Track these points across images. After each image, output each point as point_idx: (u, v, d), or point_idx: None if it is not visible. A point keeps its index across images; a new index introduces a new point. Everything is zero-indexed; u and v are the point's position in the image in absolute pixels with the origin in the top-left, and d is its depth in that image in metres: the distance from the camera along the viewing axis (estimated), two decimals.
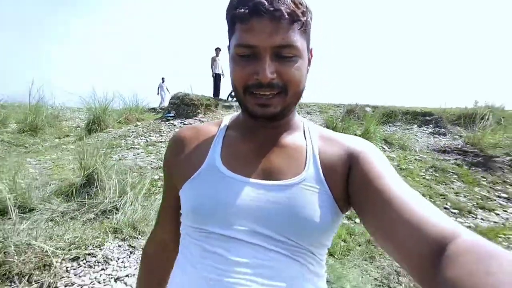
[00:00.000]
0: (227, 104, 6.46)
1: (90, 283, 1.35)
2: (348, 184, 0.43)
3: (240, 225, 0.41)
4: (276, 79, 0.40)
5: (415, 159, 4.23)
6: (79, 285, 1.33)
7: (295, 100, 0.44)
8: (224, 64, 7.43)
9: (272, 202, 0.41)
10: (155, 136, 4.68)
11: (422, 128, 6.00)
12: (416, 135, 5.55)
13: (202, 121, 5.53)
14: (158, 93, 9.66)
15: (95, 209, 2.08)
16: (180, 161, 0.49)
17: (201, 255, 0.42)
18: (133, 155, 3.75)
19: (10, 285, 1.25)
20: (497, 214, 2.87)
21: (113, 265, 1.47)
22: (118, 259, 1.50)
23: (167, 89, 9.52)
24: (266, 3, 0.37)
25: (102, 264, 1.46)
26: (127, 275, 1.42)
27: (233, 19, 0.41)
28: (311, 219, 0.40)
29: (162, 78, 9.84)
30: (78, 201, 2.16)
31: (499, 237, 2.38)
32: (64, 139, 5.22)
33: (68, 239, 1.54)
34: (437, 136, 5.57)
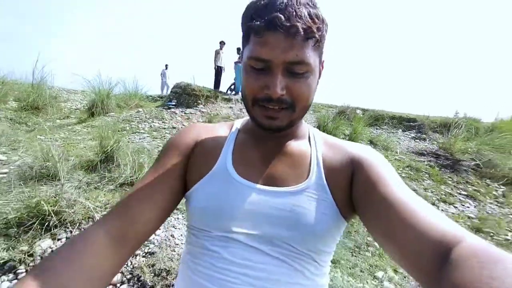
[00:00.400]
0: (226, 97, 6.75)
1: None
2: (352, 190, 0.43)
3: (240, 228, 0.42)
4: (285, 95, 0.41)
5: (395, 159, 4.70)
6: None
7: (302, 114, 0.45)
8: (227, 58, 7.69)
9: (274, 208, 0.42)
10: (158, 123, 4.96)
11: (406, 132, 6.50)
12: (399, 139, 6.04)
13: (203, 111, 5.83)
14: (162, 80, 9.75)
15: (114, 182, 2.40)
16: (197, 156, 0.49)
17: (201, 252, 0.44)
18: (139, 138, 4.04)
19: (65, 230, 1.59)
20: (455, 207, 3.37)
21: None
22: None
23: (168, 77, 9.62)
24: (282, 18, 0.37)
25: None
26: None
27: (248, 29, 0.41)
28: (312, 226, 0.41)
29: (166, 65, 9.87)
30: (99, 173, 2.47)
31: None
32: (65, 120, 5.40)
33: (102, 200, 1.87)
34: (418, 140, 6.08)
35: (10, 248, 1.43)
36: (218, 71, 7.53)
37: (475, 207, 3.50)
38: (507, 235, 2.85)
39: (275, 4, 0.38)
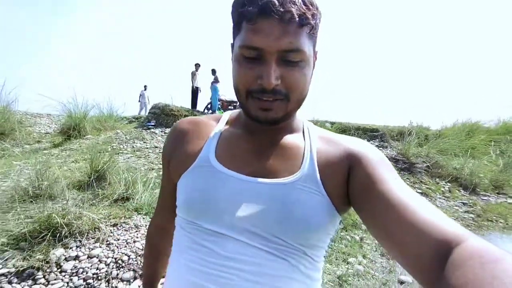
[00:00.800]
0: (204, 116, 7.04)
1: (130, 239, 1.89)
2: (348, 185, 0.42)
3: (229, 222, 0.41)
4: (280, 85, 0.39)
5: None
6: (123, 239, 1.86)
7: (298, 105, 0.44)
8: (203, 79, 8.08)
9: (263, 200, 0.41)
10: (140, 143, 5.08)
11: (370, 142, 7.25)
12: None
13: None
14: (139, 101, 9.65)
15: (109, 199, 2.55)
16: (177, 154, 0.50)
17: (190, 247, 0.43)
18: (124, 159, 4.15)
19: (74, 240, 1.75)
20: None
21: (144, 229, 2.01)
22: (146, 225, 2.05)
23: (148, 98, 9.57)
24: (276, 3, 0.35)
25: (135, 229, 2.00)
26: None
27: (240, 17, 0.39)
28: (302, 219, 0.40)
29: (145, 86, 9.85)
30: (93, 191, 2.61)
31: None
32: (36, 145, 5.30)
33: (104, 213, 2.05)
34: (381, 148, 6.80)
35: (27, 257, 1.57)
36: (195, 91, 7.87)
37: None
38: None
39: None
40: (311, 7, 0.38)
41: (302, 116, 0.52)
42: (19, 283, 1.50)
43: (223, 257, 0.40)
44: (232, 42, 0.45)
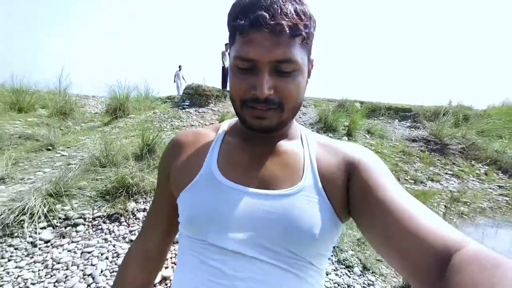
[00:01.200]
0: None
1: None
2: (348, 193, 0.42)
3: (237, 237, 0.40)
4: (273, 95, 0.40)
5: (390, 145, 5.28)
6: None
7: (292, 114, 0.44)
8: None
9: (269, 212, 0.40)
10: (177, 122, 5.58)
11: (402, 122, 7.03)
12: (395, 128, 6.60)
13: (214, 110, 6.43)
14: (174, 81, 9.67)
15: None
16: (178, 167, 0.48)
17: (198, 267, 0.41)
18: (166, 136, 4.66)
19: (141, 196, 2.23)
20: (441, 184, 3.96)
21: None
22: None
23: (183, 77, 9.57)
24: (267, 16, 0.36)
25: None
26: None
27: (233, 29, 0.40)
28: (309, 230, 0.39)
29: (179, 66, 9.76)
30: (145, 162, 3.08)
31: (435, 196, 3.47)
32: (90, 124, 6.03)
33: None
34: (413, 129, 6.62)
35: (112, 206, 2.07)
36: (225, 70, 8.10)
37: (458, 183, 4.09)
38: (482, 204, 3.44)
39: (259, 2, 0.37)
40: (303, 17, 0.38)
41: (297, 123, 0.53)
42: (110, 224, 2.02)
43: (231, 277, 0.39)
44: (229, 51, 0.45)
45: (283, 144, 0.48)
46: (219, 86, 8.00)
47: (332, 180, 0.43)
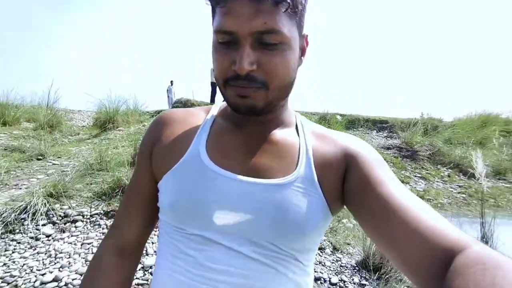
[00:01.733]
0: None
1: None
2: (344, 186, 0.40)
3: (220, 226, 0.38)
4: (256, 71, 0.36)
5: None
6: None
7: (281, 94, 0.40)
8: None
9: (258, 202, 0.38)
10: None
11: (379, 133, 7.59)
12: (373, 138, 7.11)
13: None
14: (168, 96, 9.84)
15: None
16: (162, 146, 0.44)
17: (175, 255, 0.40)
18: None
19: None
20: (410, 185, 4.39)
21: None
22: None
23: (174, 93, 9.73)
24: None
25: None
26: None
27: (213, 0, 0.37)
28: (299, 225, 0.38)
29: (171, 81, 9.96)
30: None
31: None
32: (77, 136, 6.15)
33: None
34: (389, 138, 7.17)
35: (108, 204, 2.29)
36: (214, 86, 8.49)
37: (425, 184, 4.53)
38: (442, 200, 3.88)
39: None
40: None
41: (293, 109, 0.49)
42: (107, 220, 2.22)
43: (207, 268, 0.37)
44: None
45: (277, 131, 0.45)
46: (208, 100, 8.35)
47: (328, 173, 0.41)
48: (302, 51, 0.42)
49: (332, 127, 6.52)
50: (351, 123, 7.61)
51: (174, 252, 0.40)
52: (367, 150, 0.43)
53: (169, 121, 0.46)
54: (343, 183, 0.41)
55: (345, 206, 0.43)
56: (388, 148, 6.10)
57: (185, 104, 7.22)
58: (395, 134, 7.37)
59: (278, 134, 0.45)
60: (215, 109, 0.50)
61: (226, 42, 0.37)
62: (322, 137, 0.45)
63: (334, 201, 0.41)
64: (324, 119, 7.45)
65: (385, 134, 7.49)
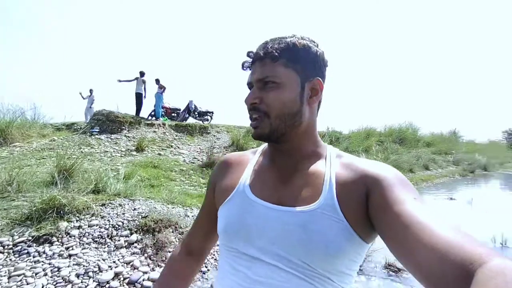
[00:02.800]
0: (148, 122, 7.41)
1: (120, 212, 2.51)
2: (368, 210, 0.43)
3: (260, 245, 0.46)
4: (260, 104, 0.49)
5: None
6: (114, 213, 2.47)
7: (283, 122, 0.49)
8: (148, 86, 8.25)
9: (287, 226, 0.44)
10: (87, 149, 5.23)
11: None
12: None
13: (128, 136, 6.34)
14: (90, 106, 8.71)
15: (83, 191, 2.97)
16: (221, 184, 0.57)
17: (230, 272, 0.49)
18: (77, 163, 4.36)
19: (74, 215, 2.29)
20: None
21: (128, 207, 2.65)
22: (128, 204, 2.67)
23: (93, 104, 8.74)
24: (256, 51, 0.51)
25: (119, 207, 2.61)
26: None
27: (244, 68, 0.54)
28: (321, 244, 0.42)
29: (90, 90, 8.88)
30: (62, 187, 3.00)
31: None
32: None
33: (90, 198, 2.59)
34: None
35: (37, 229, 2.09)
36: (139, 97, 8.08)
37: None
38: None
39: (259, 45, 0.51)
40: (282, 46, 0.49)
41: (327, 144, 0.56)
42: (38, 246, 2.03)
43: (254, 281, 0.45)
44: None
45: (306, 163, 0.51)
46: (132, 112, 7.85)
47: (349, 198, 0.45)
48: (315, 92, 0.51)
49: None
50: None
51: (229, 269, 0.49)
52: (387, 172, 0.45)
53: (227, 164, 0.60)
54: (367, 207, 0.43)
55: None
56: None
57: (107, 116, 6.60)
58: None
59: (307, 166, 0.51)
60: (260, 148, 0.61)
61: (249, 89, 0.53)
62: (347, 165, 0.49)
63: (360, 226, 0.44)
64: (251, 132, 8.02)
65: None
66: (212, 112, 10.63)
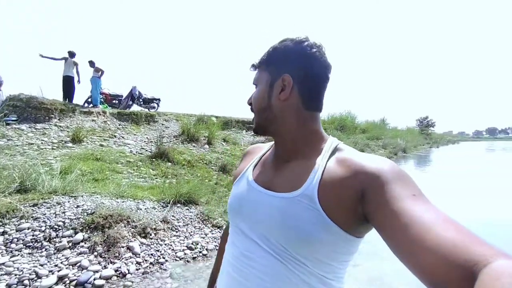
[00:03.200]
0: (85, 110, 6.54)
1: (59, 211, 2.23)
2: (364, 205, 0.42)
3: (250, 224, 0.52)
4: (251, 104, 0.59)
5: (240, 149, 6.75)
6: (51, 213, 2.18)
7: (260, 118, 0.57)
8: (80, 68, 7.22)
9: (269, 209, 0.49)
10: (3, 141, 4.38)
11: (248, 131, 8.95)
12: (244, 136, 8.33)
13: (60, 126, 5.52)
14: None
15: (3, 192, 2.54)
16: (239, 168, 0.67)
17: (230, 244, 0.57)
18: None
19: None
20: None
21: (68, 205, 2.36)
22: (69, 201, 2.40)
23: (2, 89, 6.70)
24: (254, 63, 0.60)
25: (58, 206, 2.32)
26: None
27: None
28: (293, 228, 0.45)
29: None
30: None
31: None
32: None
33: (16, 198, 2.22)
34: (255, 136, 8.60)
35: None
36: (69, 81, 6.99)
37: None
38: None
39: None
40: (265, 53, 0.57)
41: (330, 137, 0.56)
42: None
43: (241, 254, 0.52)
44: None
45: (300, 155, 0.54)
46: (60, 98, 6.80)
47: (334, 191, 0.45)
48: (282, 88, 0.54)
49: (209, 128, 7.07)
50: (226, 124, 8.55)
51: (230, 241, 0.58)
52: (383, 168, 0.43)
53: (247, 153, 0.70)
54: (363, 203, 0.42)
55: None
56: (257, 143, 7.44)
57: (28, 102, 5.53)
58: None
59: (300, 156, 0.54)
60: (272, 142, 0.64)
61: None
62: (341, 161, 0.48)
63: (343, 218, 0.44)
64: (202, 120, 7.96)
65: (252, 133, 8.91)
66: (159, 99, 9.93)
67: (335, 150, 0.52)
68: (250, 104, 0.59)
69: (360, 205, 0.42)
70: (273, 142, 0.63)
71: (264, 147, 0.68)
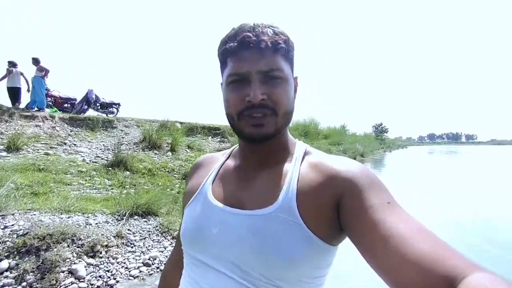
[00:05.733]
0: (28, 113, 5.82)
1: None
2: (339, 213, 0.40)
3: (214, 253, 0.43)
4: (267, 101, 0.42)
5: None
6: None
7: (285, 121, 0.46)
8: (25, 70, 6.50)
9: (241, 232, 0.41)
10: None
11: (214, 138, 8.81)
12: (209, 143, 8.17)
13: None
14: None
15: None
16: (189, 185, 0.55)
17: (186, 279, 0.46)
18: None
19: None
20: None
21: None
22: None
23: None
24: (252, 36, 0.42)
25: None
26: None
27: (224, 54, 0.46)
28: (278, 252, 0.39)
29: None
30: None
31: None
32: None
33: None
34: (222, 143, 8.51)
35: None
36: (16, 92, 6.34)
37: None
38: None
39: (243, 28, 0.44)
40: (281, 36, 0.44)
41: (297, 140, 0.52)
42: None
43: None
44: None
45: (274, 163, 0.48)
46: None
47: (312, 200, 0.41)
48: (295, 89, 0.49)
49: (173, 134, 6.79)
50: (190, 130, 8.31)
51: (185, 275, 0.47)
52: (360, 175, 0.41)
53: (197, 166, 0.58)
54: (338, 211, 0.40)
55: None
56: (219, 150, 7.33)
57: None
58: (226, 139, 8.88)
59: (273, 164, 0.48)
60: (228, 152, 0.57)
61: (238, 82, 0.44)
62: (314, 165, 0.45)
63: (323, 229, 0.40)
64: (165, 127, 7.63)
65: (218, 139, 8.82)
66: (119, 104, 9.32)
67: (305, 154, 0.49)
68: (263, 100, 0.43)
69: (336, 212, 0.40)
70: (229, 150, 0.57)
71: (218, 157, 0.57)
